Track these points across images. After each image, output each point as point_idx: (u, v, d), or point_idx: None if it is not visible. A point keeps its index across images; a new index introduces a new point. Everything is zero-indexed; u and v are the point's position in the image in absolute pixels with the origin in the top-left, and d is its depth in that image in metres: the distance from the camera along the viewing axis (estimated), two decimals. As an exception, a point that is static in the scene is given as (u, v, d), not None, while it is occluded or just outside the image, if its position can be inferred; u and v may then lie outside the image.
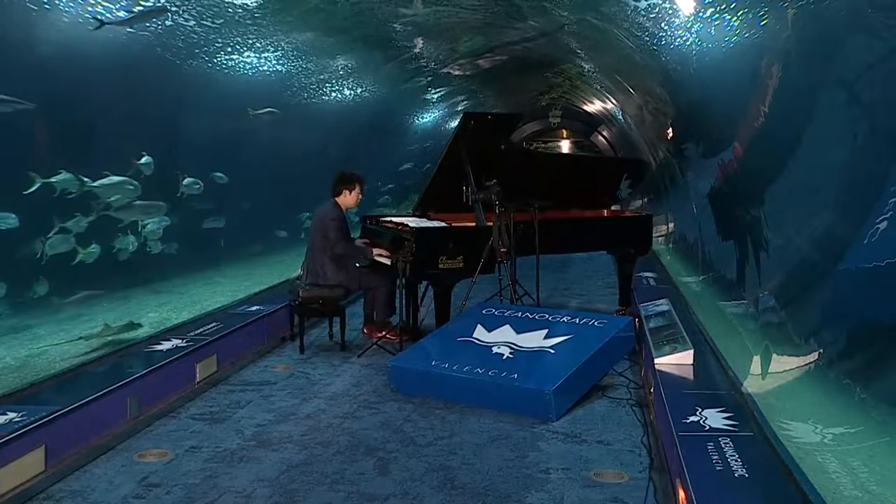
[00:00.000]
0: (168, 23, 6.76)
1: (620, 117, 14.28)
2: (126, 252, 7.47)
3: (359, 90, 11.35)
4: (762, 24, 4.92)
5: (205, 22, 7.11)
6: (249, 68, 8.65)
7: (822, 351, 4.20)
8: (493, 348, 4.93)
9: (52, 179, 6.44)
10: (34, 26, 5.72)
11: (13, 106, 5.70)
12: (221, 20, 7.20)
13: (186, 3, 6.73)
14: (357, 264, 6.16)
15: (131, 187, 7.32)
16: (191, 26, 7.03)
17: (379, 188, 14.38)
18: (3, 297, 6.17)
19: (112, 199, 7.09)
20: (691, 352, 4.65)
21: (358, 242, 6.28)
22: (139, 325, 6.31)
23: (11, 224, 6.13)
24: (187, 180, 8.51)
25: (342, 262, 6.00)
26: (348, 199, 6.15)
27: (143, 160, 7.52)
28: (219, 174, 9.25)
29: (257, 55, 8.45)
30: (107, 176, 7.05)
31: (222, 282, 8.80)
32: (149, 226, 7.87)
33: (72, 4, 5.80)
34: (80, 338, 5.95)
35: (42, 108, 6.01)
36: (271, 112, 9.58)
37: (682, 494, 3.05)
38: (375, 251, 6.04)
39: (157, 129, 7.86)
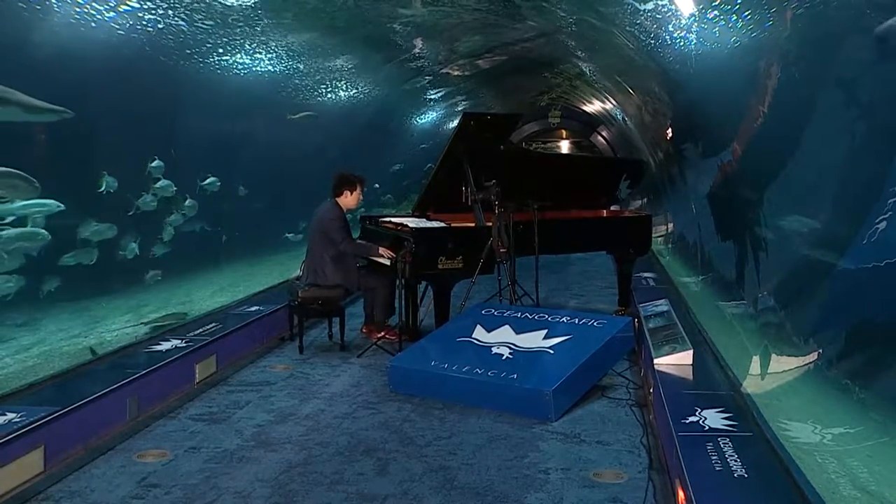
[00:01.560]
0: (160, 25, 6.75)
1: (620, 118, 14.28)
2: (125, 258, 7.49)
3: (354, 91, 11.33)
4: (768, 24, 4.92)
5: (196, 24, 7.09)
6: (243, 68, 8.62)
7: (821, 351, 4.20)
8: (492, 349, 4.93)
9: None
10: (32, 28, 5.71)
11: (61, 115, 5.84)
12: (211, 22, 7.18)
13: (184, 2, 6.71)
14: (357, 264, 6.16)
15: (174, 188, 7.88)
16: (181, 26, 7.02)
17: (377, 190, 14.35)
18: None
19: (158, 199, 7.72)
20: (690, 352, 4.65)
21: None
22: (185, 314, 6.71)
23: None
24: (209, 179, 8.65)
25: (342, 262, 5.99)
26: (349, 199, 6.13)
27: (154, 163, 7.65)
28: (241, 187, 9.46)
29: (249, 56, 8.43)
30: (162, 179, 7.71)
31: (222, 283, 8.79)
32: (169, 227, 7.97)
33: (60, 3, 5.77)
34: (142, 322, 6.56)
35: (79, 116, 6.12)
36: (309, 116, 9.63)
37: (681, 494, 3.06)
38: (382, 250, 5.98)
39: (159, 132, 7.87)
